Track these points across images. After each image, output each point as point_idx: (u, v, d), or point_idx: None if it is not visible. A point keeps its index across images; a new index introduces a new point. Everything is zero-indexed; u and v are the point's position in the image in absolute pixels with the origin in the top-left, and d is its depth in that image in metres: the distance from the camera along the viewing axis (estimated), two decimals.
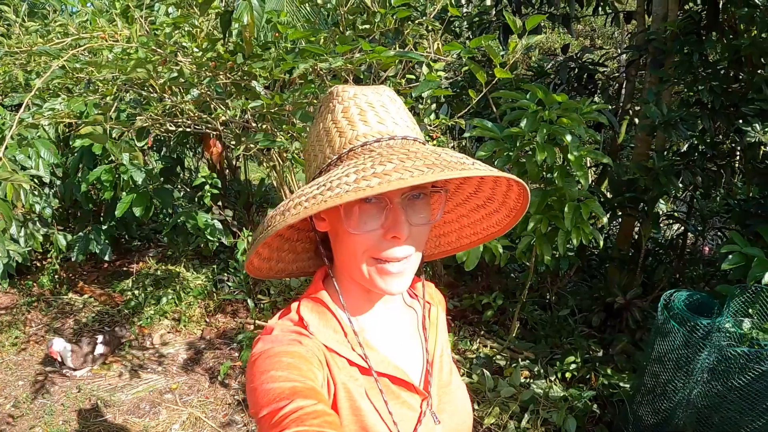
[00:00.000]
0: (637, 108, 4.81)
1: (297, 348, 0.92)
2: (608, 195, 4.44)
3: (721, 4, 3.82)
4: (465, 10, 5.77)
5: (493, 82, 2.73)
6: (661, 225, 5.32)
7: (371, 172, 0.79)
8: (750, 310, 2.69)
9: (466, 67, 4.25)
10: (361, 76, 2.87)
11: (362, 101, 0.94)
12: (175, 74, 2.72)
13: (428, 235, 1.01)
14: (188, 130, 3.32)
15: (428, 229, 0.97)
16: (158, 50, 2.55)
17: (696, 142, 3.90)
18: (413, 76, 3.08)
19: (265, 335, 0.97)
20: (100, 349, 4.15)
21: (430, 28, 2.96)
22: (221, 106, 3.02)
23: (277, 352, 0.90)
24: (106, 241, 5.01)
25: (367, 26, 2.79)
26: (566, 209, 2.92)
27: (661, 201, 4.49)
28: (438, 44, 3.05)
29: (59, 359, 4.02)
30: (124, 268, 5.81)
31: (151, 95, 3.05)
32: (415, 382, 1.04)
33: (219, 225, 4.72)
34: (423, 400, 1.04)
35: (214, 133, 3.30)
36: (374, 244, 0.91)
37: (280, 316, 1.02)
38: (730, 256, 2.78)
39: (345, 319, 1.01)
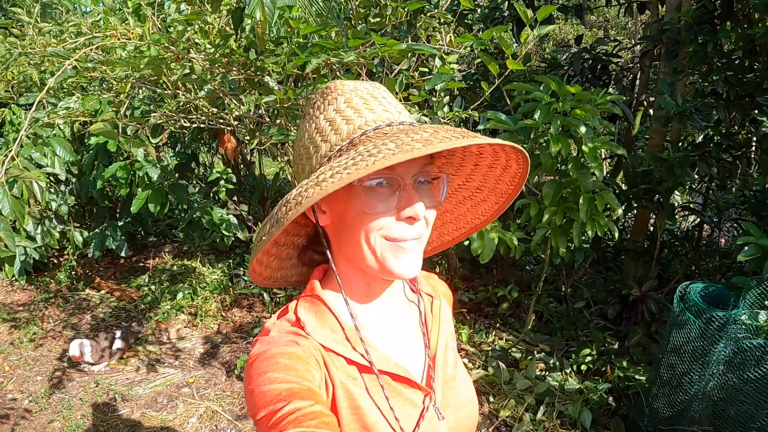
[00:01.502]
0: (652, 99, 4.77)
1: (294, 349, 0.91)
2: (623, 187, 4.42)
3: None
4: (477, 2, 5.76)
5: (506, 73, 2.72)
6: (677, 217, 5.28)
7: (409, 139, 0.80)
8: (766, 302, 2.67)
9: (479, 60, 4.23)
10: (374, 70, 2.87)
11: (364, 93, 0.96)
12: (188, 71, 2.74)
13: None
14: (202, 126, 3.34)
15: (434, 214, 0.97)
16: (171, 47, 2.56)
17: (711, 133, 3.87)
18: (426, 69, 3.08)
19: (263, 336, 0.97)
20: (117, 344, 4.19)
21: (442, 20, 2.95)
22: (235, 102, 3.03)
23: (274, 353, 0.90)
24: (123, 237, 5.05)
25: (379, 19, 2.79)
26: (581, 201, 2.91)
27: (677, 193, 4.47)
28: (450, 37, 3.04)
29: (82, 359, 4.07)
30: (141, 264, 5.87)
31: (165, 92, 3.07)
32: (416, 378, 1.02)
33: (234, 220, 4.74)
34: (425, 396, 1.03)
35: (229, 128, 3.32)
36: (387, 225, 0.91)
37: (278, 316, 1.02)
38: (746, 248, 2.76)
39: (344, 316, 1.00)
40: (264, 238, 0.92)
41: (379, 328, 1.04)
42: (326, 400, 0.93)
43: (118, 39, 2.44)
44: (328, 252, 1.02)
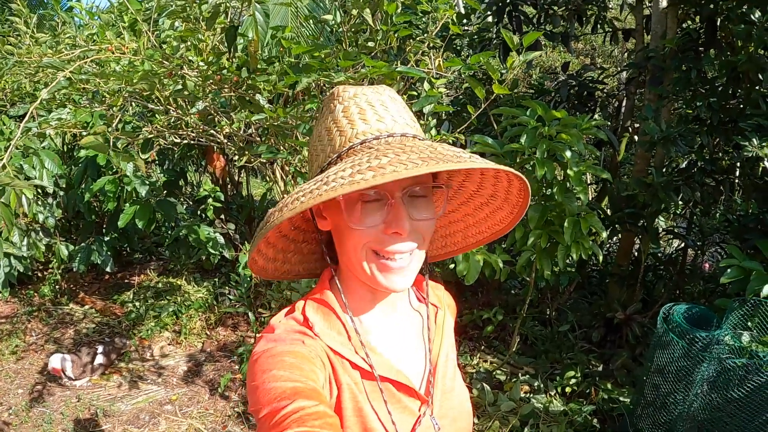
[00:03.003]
0: (637, 126, 4.84)
1: (299, 348, 0.92)
2: (608, 212, 4.46)
3: (718, 21, 3.87)
4: (465, 28, 5.84)
5: (492, 97, 2.76)
6: (662, 241, 5.33)
7: (366, 166, 0.81)
8: (749, 324, 2.71)
9: (467, 85, 4.28)
10: None
11: (362, 100, 0.96)
12: (180, 86, 2.76)
13: (433, 233, 1.02)
14: (193, 142, 3.35)
15: (431, 225, 0.97)
16: (165, 62, 2.59)
17: (695, 158, 3.93)
18: (415, 93, 3.12)
19: (268, 333, 0.97)
20: (99, 359, 4.16)
21: (431, 45, 3.00)
22: (225, 119, 3.06)
23: (280, 351, 0.91)
24: (108, 253, 5.02)
25: (370, 44, 2.83)
26: (566, 224, 2.94)
27: (661, 218, 4.51)
28: (439, 61, 3.09)
29: (62, 374, 4.03)
30: (126, 281, 5.83)
31: (157, 108, 3.09)
32: (416, 386, 1.03)
33: (221, 239, 4.74)
34: (422, 405, 1.03)
35: (219, 146, 3.34)
36: (375, 238, 0.92)
37: (285, 314, 1.02)
38: (729, 270, 2.79)
39: (348, 321, 1.01)
40: (256, 241, 0.94)
41: (382, 334, 1.05)
42: (330, 400, 0.94)
43: (113, 53, 2.47)
44: (327, 258, 1.05)
